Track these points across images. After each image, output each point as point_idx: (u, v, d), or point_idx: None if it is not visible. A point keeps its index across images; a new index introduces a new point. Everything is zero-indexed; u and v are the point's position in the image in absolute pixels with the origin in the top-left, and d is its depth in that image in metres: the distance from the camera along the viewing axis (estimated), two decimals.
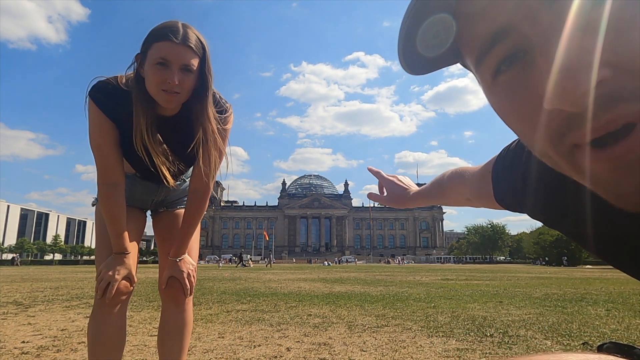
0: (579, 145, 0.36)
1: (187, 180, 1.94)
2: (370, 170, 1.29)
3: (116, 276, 1.63)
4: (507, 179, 0.72)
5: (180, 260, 1.76)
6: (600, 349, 0.57)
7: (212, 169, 1.64)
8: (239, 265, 42.38)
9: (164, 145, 1.63)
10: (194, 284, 1.81)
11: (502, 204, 0.78)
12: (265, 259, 53.06)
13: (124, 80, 1.55)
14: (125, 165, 1.70)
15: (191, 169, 1.83)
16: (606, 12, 0.33)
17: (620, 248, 0.53)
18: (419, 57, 0.48)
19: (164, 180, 1.63)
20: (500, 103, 0.43)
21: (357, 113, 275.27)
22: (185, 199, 1.93)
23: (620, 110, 0.33)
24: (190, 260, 1.80)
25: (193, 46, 1.42)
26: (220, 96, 1.65)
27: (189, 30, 1.44)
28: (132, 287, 1.71)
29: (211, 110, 1.56)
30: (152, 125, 1.54)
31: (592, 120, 0.34)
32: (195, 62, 1.44)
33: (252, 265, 45.40)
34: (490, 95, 0.44)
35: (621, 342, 0.57)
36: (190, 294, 1.81)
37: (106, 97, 1.52)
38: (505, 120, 0.44)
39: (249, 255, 71.71)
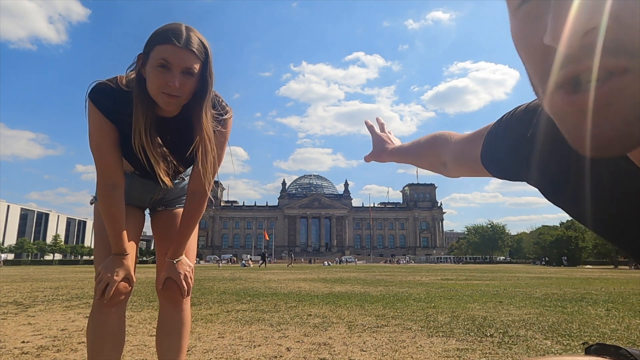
0: (559, 87, 0.39)
1: (186, 178, 1.94)
2: (366, 123, 1.35)
3: (115, 277, 1.63)
4: (505, 140, 0.75)
5: (177, 262, 1.76)
6: (588, 352, 0.58)
7: (210, 171, 1.65)
8: (261, 265, 41.85)
9: (163, 147, 1.63)
10: (191, 286, 1.81)
11: (487, 166, 0.81)
12: (288, 258, 52.48)
13: (124, 81, 1.55)
14: (125, 164, 1.71)
15: (191, 167, 1.84)
16: None
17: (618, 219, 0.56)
18: None
19: (160, 182, 1.64)
20: (517, 31, 0.46)
21: (358, 113, 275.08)
22: (183, 196, 1.94)
23: (601, 60, 0.35)
24: (187, 262, 1.80)
25: (195, 50, 1.43)
26: (221, 99, 1.66)
27: (192, 33, 1.45)
28: (130, 288, 1.72)
29: (209, 114, 1.57)
30: (151, 125, 1.55)
31: (577, 64, 0.36)
32: (196, 66, 1.45)
33: (252, 266, 45.37)
34: (512, 21, 0.47)
35: (607, 343, 0.58)
36: (188, 295, 1.81)
37: (106, 99, 1.53)
38: (517, 48, 0.47)
39: (249, 256, 71.62)
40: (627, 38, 0.34)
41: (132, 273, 1.71)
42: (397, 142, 1.23)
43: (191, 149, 1.59)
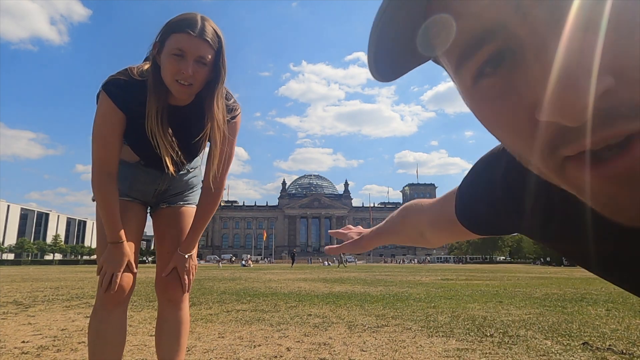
0: (570, 157, 0.33)
1: (191, 171, 1.96)
2: (332, 234, 1.27)
3: (118, 266, 1.65)
4: (478, 192, 0.69)
5: (189, 256, 1.81)
6: None
7: (223, 163, 1.70)
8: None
9: (171, 132, 1.65)
10: (191, 281, 1.84)
11: (466, 223, 0.74)
12: (338, 258, 50.25)
13: (135, 71, 1.59)
14: (129, 154, 1.76)
15: (195, 160, 1.90)
16: (607, 10, 0.29)
17: (611, 261, 0.50)
18: (389, 63, 0.43)
19: (165, 166, 1.65)
20: (483, 109, 0.39)
21: (358, 113, 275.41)
22: (188, 193, 1.97)
23: (620, 126, 0.30)
24: (195, 259, 1.85)
25: (209, 39, 1.47)
26: (232, 95, 1.72)
27: (206, 23, 1.49)
28: (133, 282, 1.73)
29: (221, 103, 1.61)
30: (163, 111, 1.58)
31: (590, 136, 0.31)
32: (210, 55, 1.49)
33: (252, 265, 45.35)
34: (469, 100, 0.40)
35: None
36: (187, 291, 1.84)
37: (120, 89, 1.57)
38: (487, 127, 0.40)
39: (249, 255, 71.51)
40: (636, 95, 0.29)
41: (132, 260, 1.72)
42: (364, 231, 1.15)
43: (200, 135, 1.63)
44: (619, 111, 0.29)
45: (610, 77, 0.29)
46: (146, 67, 1.59)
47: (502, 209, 0.63)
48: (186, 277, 1.80)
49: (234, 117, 1.73)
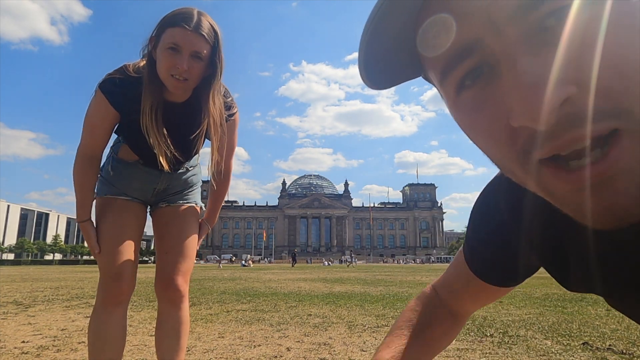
0: (544, 161, 0.36)
1: (190, 169, 1.97)
2: None
3: (93, 242, 1.73)
4: (486, 240, 0.69)
5: (209, 227, 2.00)
6: None
7: (226, 152, 1.76)
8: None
9: (166, 129, 1.65)
10: (199, 243, 1.99)
11: (484, 275, 0.72)
12: (349, 258, 53.00)
13: (130, 68, 1.59)
14: (128, 153, 1.78)
15: (194, 159, 1.94)
16: (570, 28, 0.32)
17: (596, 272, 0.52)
18: (380, 71, 0.46)
19: (159, 164, 1.66)
20: (465, 119, 0.41)
21: (358, 113, 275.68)
22: (188, 192, 1.98)
23: (580, 130, 0.32)
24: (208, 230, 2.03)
25: (205, 34, 1.46)
26: (230, 93, 1.75)
27: (202, 17, 1.48)
28: (133, 281, 1.75)
29: (217, 99, 1.61)
30: (158, 106, 1.58)
31: (557, 139, 0.33)
32: (206, 50, 1.48)
33: (252, 265, 45.34)
34: (454, 110, 0.42)
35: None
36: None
37: (115, 87, 1.57)
38: (471, 137, 0.42)
39: (249, 256, 71.45)
40: (607, 100, 0.32)
41: (94, 241, 1.75)
42: None
43: (197, 132, 1.63)
44: (579, 116, 0.32)
45: (573, 87, 0.32)
46: (142, 63, 1.59)
47: (512, 241, 0.65)
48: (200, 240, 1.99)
49: (231, 115, 1.74)
